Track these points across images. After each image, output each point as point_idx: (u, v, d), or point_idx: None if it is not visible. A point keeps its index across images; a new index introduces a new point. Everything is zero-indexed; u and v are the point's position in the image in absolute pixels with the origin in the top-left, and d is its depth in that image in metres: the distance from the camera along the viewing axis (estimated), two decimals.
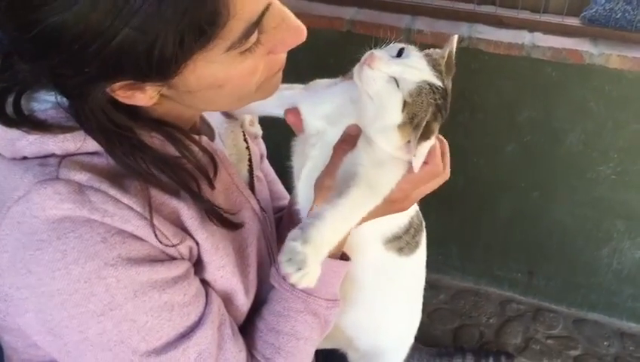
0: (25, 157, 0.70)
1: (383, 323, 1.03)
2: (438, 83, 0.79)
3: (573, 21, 2.14)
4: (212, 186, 0.80)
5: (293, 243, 0.70)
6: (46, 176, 0.67)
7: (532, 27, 2.16)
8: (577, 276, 2.51)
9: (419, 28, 2.15)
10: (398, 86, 0.78)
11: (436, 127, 0.81)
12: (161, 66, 0.63)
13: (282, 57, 0.77)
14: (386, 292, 0.99)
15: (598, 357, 2.39)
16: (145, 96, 0.69)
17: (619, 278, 2.45)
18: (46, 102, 0.72)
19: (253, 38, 0.68)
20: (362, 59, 0.80)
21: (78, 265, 0.66)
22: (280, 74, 0.80)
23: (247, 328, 0.89)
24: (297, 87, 0.92)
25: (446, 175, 0.87)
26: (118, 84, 0.66)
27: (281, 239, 1.03)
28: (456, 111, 2.30)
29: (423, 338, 2.37)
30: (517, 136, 2.27)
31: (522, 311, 2.58)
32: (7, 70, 0.67)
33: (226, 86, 0.72)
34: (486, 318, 2.55)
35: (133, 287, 0.69)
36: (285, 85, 0.92)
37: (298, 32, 0.74)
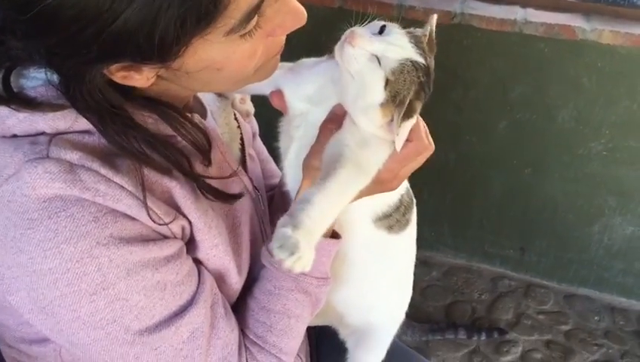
0: (15, 135, 0.69)
1: (374, 300, 1.03)
2: (421, 60, 0.78)
3: None
4: (209, 162, 0.80)
5: (283, 229, 0.69)
6: (36, 154, 0.66)
7: (524, 3, 2.15)
8: (568, 252, 2.53)
9: (410, 4, 2.13)
10: (380, 64, 0.76)
11: (419, 105, 0.79)
12: (162, 49, 0.62)
13: (281, 40, 0.76)
14: (376, 270, 0.99)
15: (588, 331, 2.42)
16: (141, 77, 0.68)
17: (609, 254, 2.47)
18: (36, 80, 0.70)
19: (253, 21, 0.67)
20: (343, 37, 0.78)
21: (69, 244, 0.65)
22: (278, 57, 0.79)
23: (239, 307, 0.89)
24: (285, 66, 0.91)
25: (431, 148, 0.85)
26: (115, 66, 0.65)
27: (272, 219, 1.03)
28: (449, 88, 2.31)
29: (416, 315, 2.39)
30: (509, 112, 2.27)
31: (514, 287, 2.60)
32: None
33: (225, 69, 0.71)
34: (478, 294, 2.57)
35: (126, 266, 0.69)
36: None
37: (298, 15, 0.73)
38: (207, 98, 0.96)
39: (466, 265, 2.69)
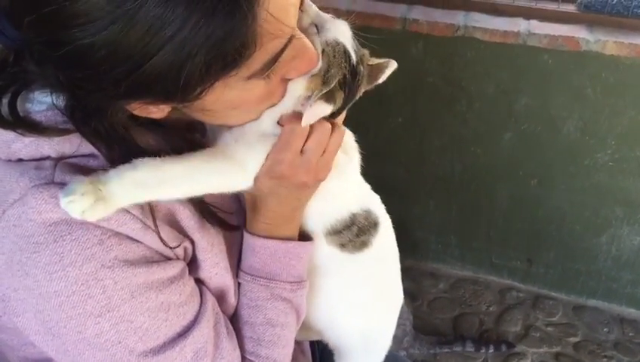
0: (20, 160, 0.70)
1: (336, 318, 1.02)
2: (353, 56, 0.78)
3: (568, 8, 2.14)
4: None
5: (81, 177, 0.66)
6: (42, 179, 0.67)
7: (528, 14, 2.15)
8: (576, 263, 2.51)
9: (414, 17, 2.14)
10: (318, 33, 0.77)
11: (340, 96, 0.78)
12: (185, 91, 0.63)
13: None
14: (333, 286, 0.98)
15: (597, 343, 2.40)
16: (158, 110, 0.70)
17: (618, 264, 2.46)
18: (41, 104, 0.71)
19: (274, 66, 0.69)
20: None
21: (75, 267, 0.66)
22: None
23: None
24: None
25: (324, 130, 0.81)
26: (137, 103, 0.67)
27: None
28: (453, 100, 2.32)
29: (423, 328, 2.38)
30: (514, 124, 2.27)
31: (522, 299, 2.59)
32: (7, 68, 0.67)
33: (240, 108, 0.73)
34: (486, 306, 2.56)
35: (130, 289, 0.70)
36: None
37: (312, 61, 0.74)
38: None
39: (473, 277, 2.68)
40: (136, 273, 0.70)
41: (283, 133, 0.78)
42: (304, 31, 0.75)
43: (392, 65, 0.85)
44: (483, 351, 2.32)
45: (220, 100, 0.69)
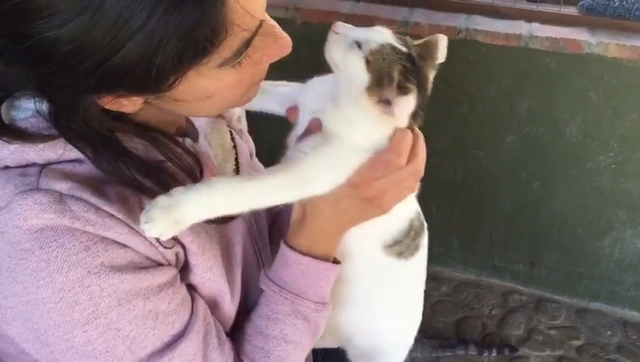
0: (7, 167, 0.70)
1: (380, 325, 1.03)
2: (402, 48, 0.80)
3: (570, 10, 2.14)
4: None
5: (159, 197, 0.69)
6: (27, 186, 0.67)
7: (529, 17, 2.15)
8: (579, 266, 2.51)
9: (416, 20, 2.15)
10: (360, 49, 0.79)
11: (412, 88, 0.78)
12: (158, 81, 0.63)
13: (265, 67, 0.78)
14: (384, 295, 0.98)
15: (600, 346, 2.39)
16: (130, 103, 0.69)
17: (620, 267, 2.45)
18: (26, 111, 0.71)
19: (244, 53, 0.69)
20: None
21: (61, 273, 0.66)
22: (260, 83, 0.81)
23: (236, 333, 0.88)
24: (294, 85, 0.92)
25: (417, 170, 0.85)
26: (109, 96, 0.66)
27: (274, 240, 1.03)
28: (455, 103, 2.32)
29: (426, 331, 2.37)
30: (516, 127, 2.27)
31: (524, 302, 2.59)
32: None
33: (214, 97, 0.72)
34: (488, 310, 2.55)
35: (117, 295, 0.69)
36: (281, 82, 0.93)
37: (284, 45, 0.75)
38: (200, 119, 0.97)
39: (476, 280, 2.68)
40: (123, 279, 0.69)
41: (380, 157, 0.80)
42: (347, 52, 0.78)
43: (442, 39, 0.85)
44: (486, 354, 2.31)
45: (194, 89, 0.69)
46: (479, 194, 2.48)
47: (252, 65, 0.72)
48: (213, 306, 0.83)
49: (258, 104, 0.90)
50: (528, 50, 2.08)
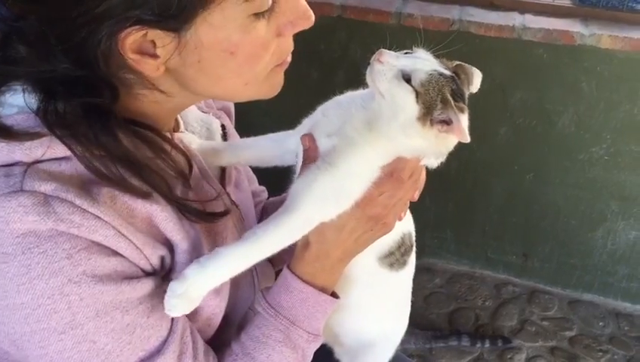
0: None
1: (370, 324, 1.04)
2: (447, 72, 0.80)
3: (563, 1, 2.14)
4: (188, 186, 0.79)
5: (173, 283, 0.73)
6: (10, 188, 0.65)
7: (523, 8, 2.15)
8: (572, 257, 2.52)
9: (409, 11, 2.14)
10: (405, 78, 0.79)
11: (465, 109, 0.80)
12: (182, 8, 0.62)
13: (290, 43, 0.77)
14: (374, 301, 1.00)
15: (593, 337, 2.40)
16: (154, 64, 0.68)
17: (613, 259, 2.46)
18: (11, 107, 0.70)
19: (268, 2, 0.68)
20: (372, 58, 0.80)
21: (42, 280, 0.65)
22: (282, 73, 0.80)
23: (223, 349, 0.87)
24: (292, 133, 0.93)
25: (418, 180, 0.87)
26: (129, 37, 0.65)
27: None
28: None
29: (419, 322, 2.38)
30: (509, 118, 2.27)
31: (517, 294, 2.60)
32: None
33: (238, 54, 0.71)
34: (481, 301, 2.56)
35: (96, 307, 0.68)
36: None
37: (307, 15, 0.74)
38: (189, 119, 0.95)
39: (470, 272, 2.68)
40: (103, 290, 0.68)
41: (387, 176, 0.81)
42: (394, 83, 0.78)
43: (479, 75, 0.86)
44: (479, 345, 2.32)
45: (217, 38, 0.68)
46: (473, 186, 2.48)
47: (275, 30, 0.72)
48: (200, 307, 0.81)
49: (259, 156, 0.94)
50: (521, 41, 2.08)
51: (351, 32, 2.15)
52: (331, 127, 0.85)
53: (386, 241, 0.92)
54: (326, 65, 2.27)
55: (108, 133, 0.70)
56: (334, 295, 0.89)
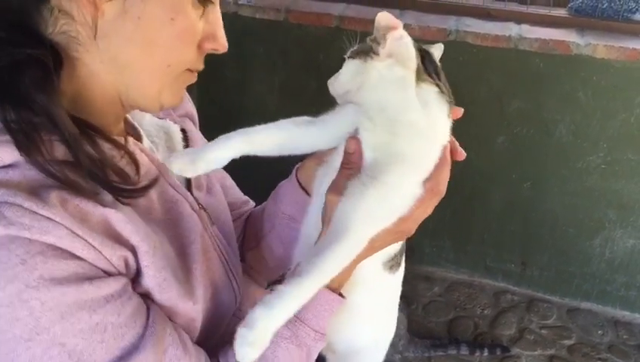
0: None
1: (363, 329, 1.04)
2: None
3: (559, 12, 2.16)
4: (130, 184, 0.76)
5: (242, 330, 0.71)
6: None
7: (519, 19, 2.17)
8: (570, 266, 2.52)
9: (407, 22, 2.15)
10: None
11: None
12: None
13: (201, 61, 0.79)
14: (373, 304, 1.00)
15: (592, 345, 2.41)
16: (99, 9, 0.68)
17: (611, 267, 2.47)
18: None
19: None
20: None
21: None
22: (185, 86, 0.82)
23: (226, 347, 0.86)
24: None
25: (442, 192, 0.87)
26: None
27: (246, 244, 1.05)
28: None
29: (418, 331, 2.38)
30: (507, 127, 2.28)
31: (516, 302, 2.60)
32: None
33: (176, 23, 0.72)
34: (480, 309, 2.56)
35: (60, 309, 0.66)
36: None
37: (223, 41, 0.78)
38: (144, 124, 0.94)
39: (468, 280, 2.69)
40: (64, 292, 0.66)
41: (435, 175, 0.85)
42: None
43: (438, 47, 0.89)
44: (477, 354, 2.32)
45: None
46: (471, 195, 2.49)
47: (201, 32, 0.75)
48: (174, 312, 0.80)
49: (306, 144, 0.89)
50: (518, 51, 2.09)
51: (349, 42, 2.16)
52: (378, 139, 0.83)
53: (394, 245, 0.91)
54: (325, 75, 2.28)
55: (53, 120, 0.68)
56: (341, 295, 0.89)
